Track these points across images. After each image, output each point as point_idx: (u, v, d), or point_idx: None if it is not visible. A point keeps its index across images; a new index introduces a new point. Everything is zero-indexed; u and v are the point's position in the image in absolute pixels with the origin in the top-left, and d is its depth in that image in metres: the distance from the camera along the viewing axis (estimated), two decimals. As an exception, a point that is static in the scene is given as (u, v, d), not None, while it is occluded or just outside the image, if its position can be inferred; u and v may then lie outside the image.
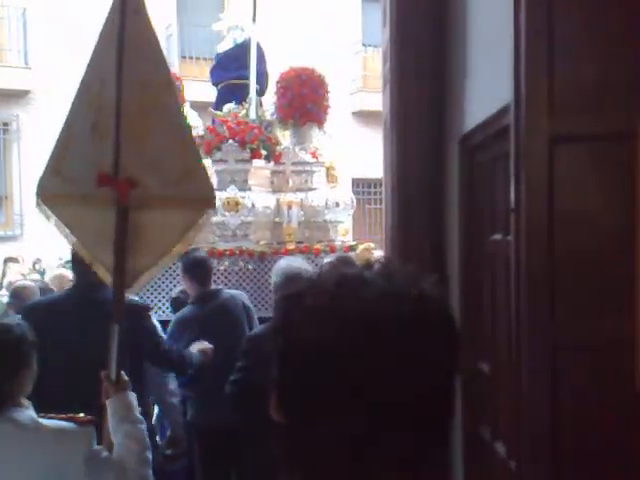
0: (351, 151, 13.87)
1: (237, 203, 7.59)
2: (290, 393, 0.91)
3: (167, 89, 2.69)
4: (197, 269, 4.61)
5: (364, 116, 15.92)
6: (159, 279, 6.68)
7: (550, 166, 1.98)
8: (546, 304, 2.01)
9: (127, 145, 2.57)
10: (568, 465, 2.05)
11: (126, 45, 2.58)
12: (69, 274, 5.79)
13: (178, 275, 6.80)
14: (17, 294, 4.96)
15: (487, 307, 2.86)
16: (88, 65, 2.67)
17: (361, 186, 16.16)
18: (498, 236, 2.67)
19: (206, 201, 2.73)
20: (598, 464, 2.03)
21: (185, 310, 4.61)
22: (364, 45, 16.69)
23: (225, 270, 6.57)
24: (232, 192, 7.63)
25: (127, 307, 2.97)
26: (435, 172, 3.30)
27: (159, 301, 6.66)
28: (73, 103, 2.68)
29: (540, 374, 2.04)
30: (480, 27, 2.81)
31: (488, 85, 2.65)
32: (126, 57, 2.58)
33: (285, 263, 3.83)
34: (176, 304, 5.49)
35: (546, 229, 1.98)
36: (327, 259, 5.96)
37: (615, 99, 1.94)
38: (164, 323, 4.84)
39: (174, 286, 6.47)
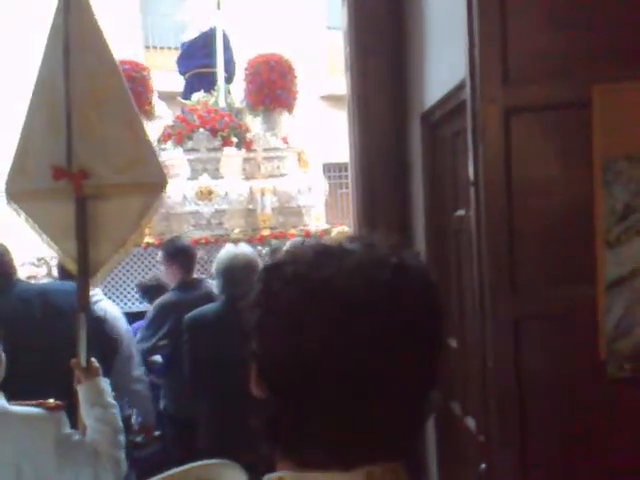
0: (322, 136, 13.80)
1: (210, 192, 7.56)
2: (269, 365, 0.90)
3: (113, 77, 2.76)
4: (181, 255, 4.62)
5: (333, 100, 15.78)
6: (127, 270, 6.65)
7: (507, 137, 1.98)
8: (507, 275, 2.02)
9: (78, 137, 2.64)
10: (536, 437, 2.06)
11: (71, 41, 2.67)
12: None
13: (144, 264, 6.78)
14: None
15: (454, 283, 2.87)
16: (40, 64, 2.76)
17: (332, 170, 16.06)
18: (462, 212, 2.67)
19: (158, 185, 2.79)
20: (566, 434, 2.04)
21: (168, 295, 4.60)
22: (330, 28, 16.57)
23: (201, 258, 6.58)
24: (205, 181, 7.60)
25: None
26: (399, 151, 3.30)
27: (128, 292, 6.63)
28: (30, 101, 2.76)
29: (504, 346, 2.05)
30: (436, 3, 2.80)
31: (446, 61, 2.64)
32: (72, 52, 2.66)
33: (231, 253, 3.84)
34: (145, 290, 5.48)
35: (505, 200, 1.99)
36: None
37: (568, 68, 1.94)
38: (133, 315, 4.83)
39: (142, 277, 6.43)
